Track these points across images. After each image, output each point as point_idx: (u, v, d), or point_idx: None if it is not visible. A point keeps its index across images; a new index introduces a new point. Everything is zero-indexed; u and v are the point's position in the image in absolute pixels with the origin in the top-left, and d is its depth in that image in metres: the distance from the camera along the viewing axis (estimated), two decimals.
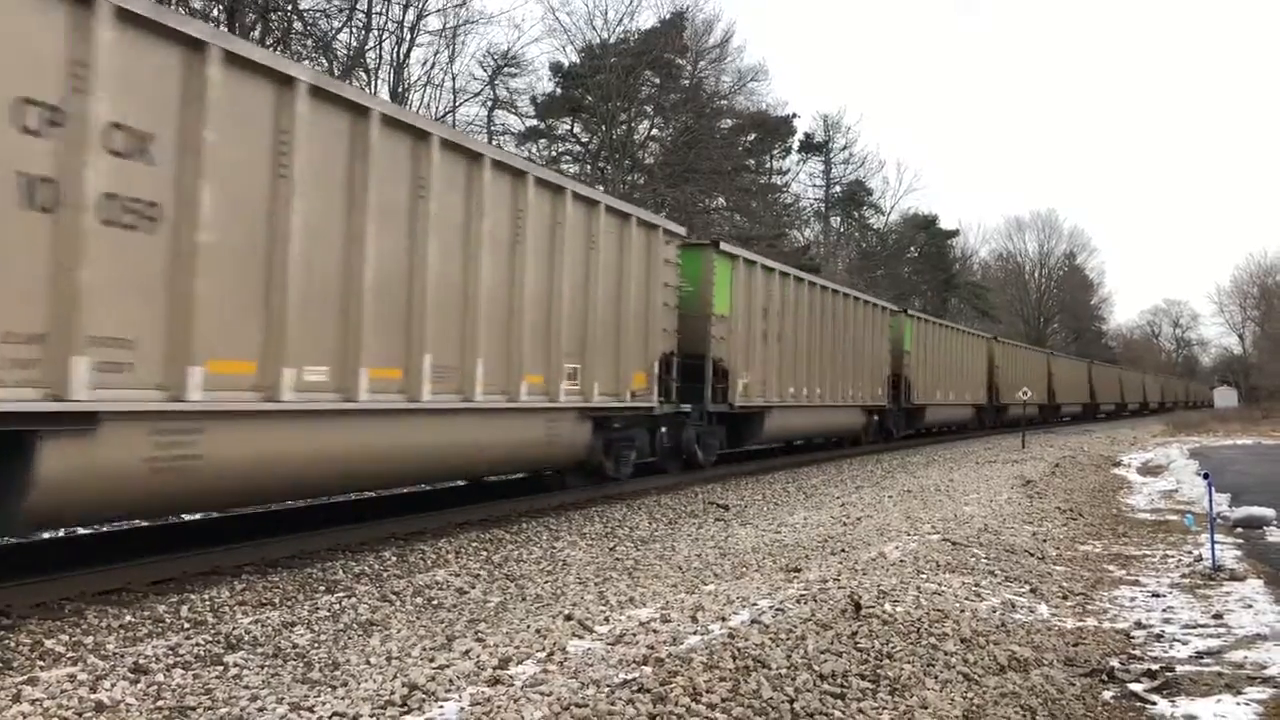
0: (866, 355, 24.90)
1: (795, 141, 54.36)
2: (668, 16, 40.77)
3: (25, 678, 5.32)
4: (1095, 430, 44.78)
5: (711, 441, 17.61)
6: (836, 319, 22.74)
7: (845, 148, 60.18)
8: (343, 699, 4.87)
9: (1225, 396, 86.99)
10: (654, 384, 14.62)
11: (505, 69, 34.70)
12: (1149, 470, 22.22)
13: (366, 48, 28.54)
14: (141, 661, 5.71)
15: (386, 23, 28.96)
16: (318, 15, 26.51)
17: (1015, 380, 39.96)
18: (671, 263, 15.18)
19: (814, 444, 24.56)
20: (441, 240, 10.02)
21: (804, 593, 7.01)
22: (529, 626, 6.43)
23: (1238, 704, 5.52)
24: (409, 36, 29.57)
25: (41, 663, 5.68)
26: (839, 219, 62.16)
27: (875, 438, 27.05)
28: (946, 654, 5.88)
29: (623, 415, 13.99)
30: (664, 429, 15.63)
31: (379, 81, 28.98)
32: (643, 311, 14.26)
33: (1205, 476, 11.70)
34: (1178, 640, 6.92)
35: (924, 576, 7.98)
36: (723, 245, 17.36)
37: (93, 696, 5.06)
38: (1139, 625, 7.35)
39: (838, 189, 60.76)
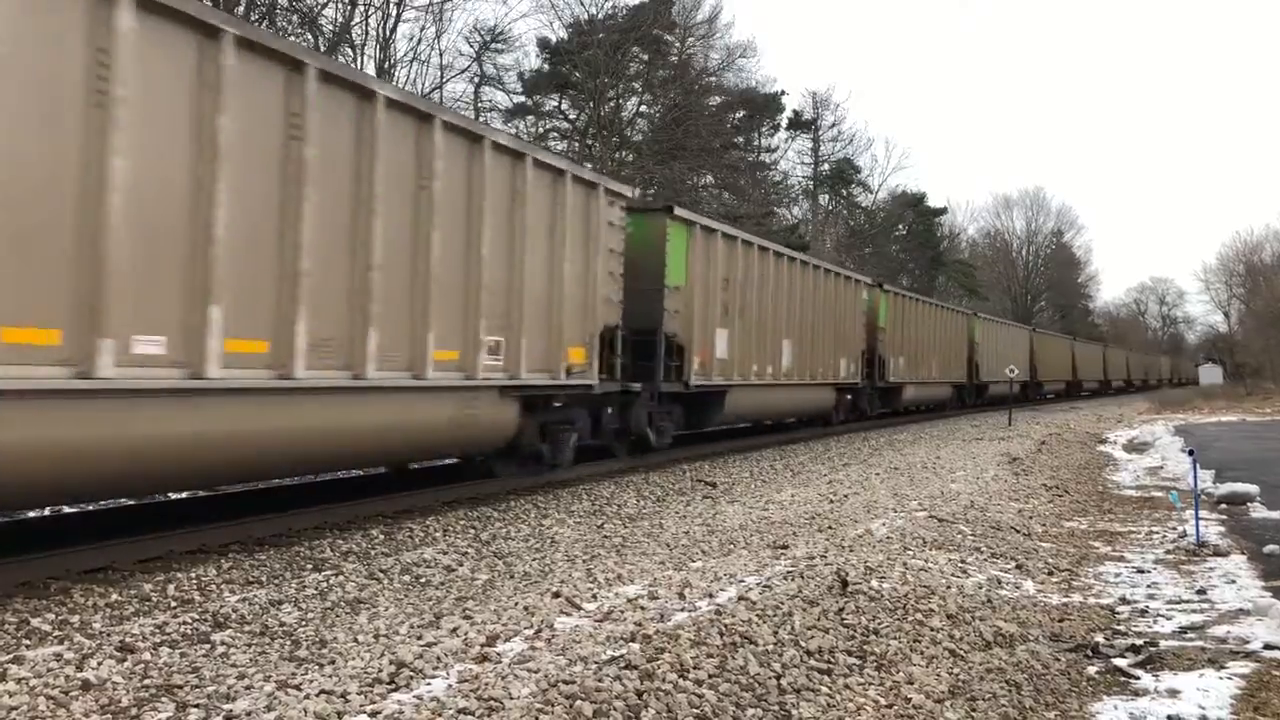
0: (566, 298, 11.95)
1: (784, 119, 54.31)
2: None
3: (11, 657, 5.30)
4: (1081, 407, 45.01)
5: None
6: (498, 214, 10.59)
7: (834, 125, 60.18)
8: (330, 677, 4.86)
9: (1210, 374, 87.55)
10: None
11: (492, 45, 34.47)
12: (1134, 447, 22.37)
13: (352, 23, 28.30)
14: (128, 640, 5.69)
15: None
16: None
17: (919, 351, 29.53)
18: None
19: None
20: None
21: (791, 569, 7.04)
22: (517, 604, 6.44)
23: (1220, 678, 5.57)
24: (395, 12, 29.36)
25: (27, 641, 5.66)
26: (827, 197, 62.09)
27: (614, 448, 14.76)
28: (933, 630, 5.92)
29: None
30: None
31: (365, 57, 28.75)
32: None
33: (1190, 453, 11.78)
34: (1162, 615, 6.99)
35: (910, 553, 8.02)
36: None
37: (79, 675, 5.04)
38: (1124, 601, 7.41)
39: (826, 167, 60.72)
